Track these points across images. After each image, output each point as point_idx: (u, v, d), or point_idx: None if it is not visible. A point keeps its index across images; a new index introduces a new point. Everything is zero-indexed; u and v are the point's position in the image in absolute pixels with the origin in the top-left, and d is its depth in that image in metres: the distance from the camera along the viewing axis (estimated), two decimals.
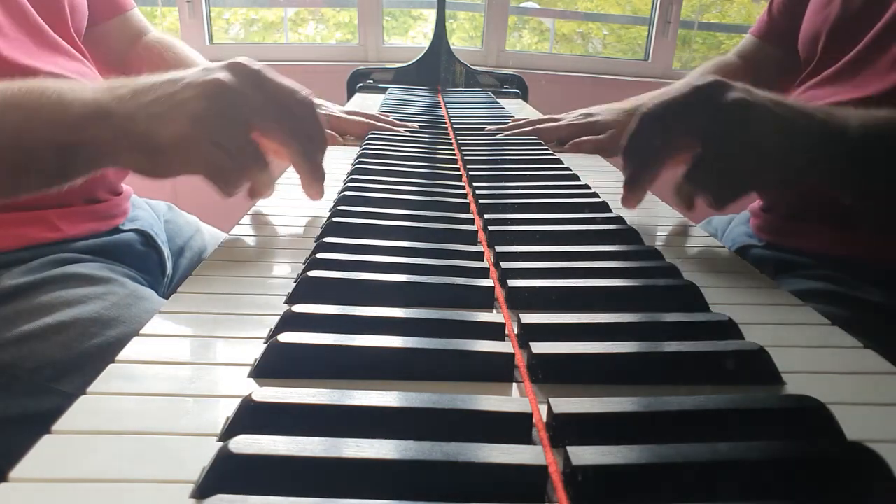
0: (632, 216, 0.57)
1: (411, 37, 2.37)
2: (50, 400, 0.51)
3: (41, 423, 0.25)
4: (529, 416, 0.26)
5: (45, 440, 0.25)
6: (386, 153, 0.74)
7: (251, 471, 0.23)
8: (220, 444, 0.24)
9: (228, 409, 0.27)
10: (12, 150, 0.46)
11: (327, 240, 0.45)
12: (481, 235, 0.49)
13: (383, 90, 1.32)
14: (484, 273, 0.41)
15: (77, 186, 0.68)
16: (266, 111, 0.48)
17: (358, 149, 0.77)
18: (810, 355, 0.34)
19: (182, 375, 0.30)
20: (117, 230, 0.73)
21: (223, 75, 0.46)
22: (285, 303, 0.38)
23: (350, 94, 1.36)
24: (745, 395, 0.29)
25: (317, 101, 0.90)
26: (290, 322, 0.33)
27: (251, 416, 0.26)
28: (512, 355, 0.31)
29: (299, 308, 0.34)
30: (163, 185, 1.94)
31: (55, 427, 0.25)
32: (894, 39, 0.67)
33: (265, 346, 0.31)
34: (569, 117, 0.92)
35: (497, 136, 0.88)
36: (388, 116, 0.93)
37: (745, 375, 0.32)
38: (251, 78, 0.48)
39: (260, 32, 2.33)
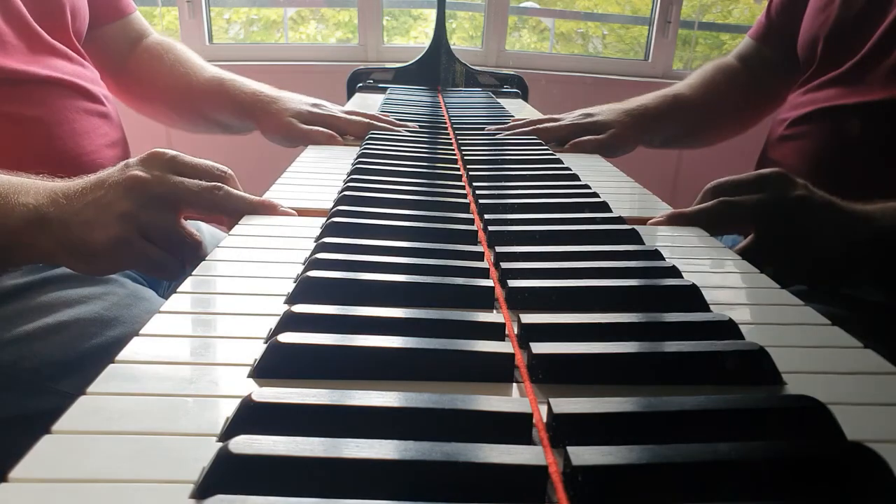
0: (632, 216, 0.57)
1: (412, 37, 2.37)
2: (50, 400, 0.51)
3: (41, 423, 0.25)
4: (529, 416, 0.26)
5: (45, 440, 0.25)
6: (386, 153, 0.74)
7: (251, 471, 0.23)
8: (220, 444, 0.24)
9: (228, 409, 0.27)
10: None
11: (327, 240, 0.45)
12: (481, 235, 0.49)
13: (383, 90, 1.32)
14: (484, 273, 0.41)
15: None
16: (191, 193, 0.50)
17: (358, 149, 0.77)
18: (810, 355, 0.34)
19: (182, 375, 0.30)
20: None
21: (139, 170, 0.49)
22: (285, 303, 0.38)
23: (350, 94, 1.36)
24: (745, 395, 0.29)
25: (317, 101, 0.91)
26: (289, 322, 0.33)
27: (251, 417, 0.26)
28: (512, 355, 0.31)
29: (299, 308, 0.34)
30: None
31: (55, 427, 0.25)
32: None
33: (265, 346, 0.31)
34: (569, 117, 0.92)
35: (497, 136, 0.88)
36: (388, 116, 0.93)
37: (746, 375, 0.31)
38: (167, 165, 0.50)
39: (260, 32, 2.33)
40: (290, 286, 0.39)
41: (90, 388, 0.28)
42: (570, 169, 0.70)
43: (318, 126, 0.86)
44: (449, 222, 0.51)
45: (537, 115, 1.00)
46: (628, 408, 0.27)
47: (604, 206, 0.57)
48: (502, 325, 0.34)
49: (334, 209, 0.52)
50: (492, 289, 0.39)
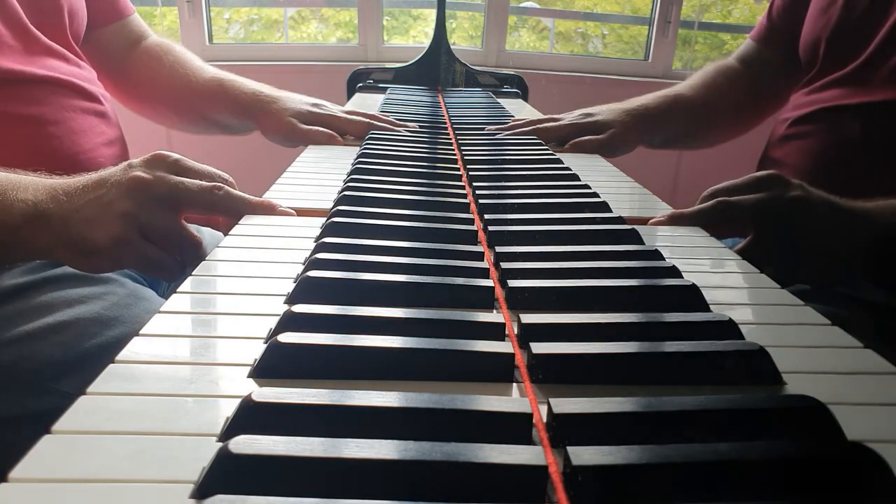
0: (631, 216, 0.57)
1: (411, 36, 2.37)
2: (50, 400, 0.50)
3: (41, 423, 0.25)
4: (529, 416, 0.26)
5: (45, 440, 0.25)
6: (386, 153, 0.74)
7: (251, 471, 0.23)
8: (220, 444, 0.24)
9: (228, 409, 0.27)
10: None
11: (327, 240, 0.45)
12: (481, 235, 0.49)
13: (383, 90, 1.32)
14: (484, 273, 0.41)
15: None
16: (191, 193, 0.50)
17: (358, 149, 0.77)
18: (810, 355, 0.34)
19: (182, 375, 0.30)
20: None
21: (141, 171, 0.49)
22: (285, 303, 0.38)
23: (350, 94, 1.36)
24: (745, 395, 0.29)
25: (317, 101, 0.91)
26: (289, 322, 0.33)
27: (251, 416, 0.26)
28: (512, 355, 0.31)
29: (299, 308, 0.34)
30: None
31: (55, 427, 0.25)
32: None
33: (265, 346, 0.31)
34: (569, 117, 0.92)
35: (497, 136, 0.88)
36: (388, 116, 0.93)
37: (746, 375, 0.31)
38: (170, 168, 0.50)
39: (260, 32, 2.33)
40: (290, 286, 0.39)
41: (90, 388, 0.28)
42: (570, 169, 0.70)
43: (318, 126, 0.86)
44: (449, 222, 0.51)
45: (537, 115, 1.00)
46: (628, 408, 0.27)
47: (604, 206, 0.57)
48: (502, 325, 0.34)
49: (334, 209, 0.52)
50: (492, 289, 0.39)
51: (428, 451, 0.23)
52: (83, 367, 0.52)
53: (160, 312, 0.36)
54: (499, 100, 1.27)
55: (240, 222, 0.52)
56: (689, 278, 0.41)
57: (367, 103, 1.16)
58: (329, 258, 0.41)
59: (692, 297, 0.39)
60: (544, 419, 0.27)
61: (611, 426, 0.26)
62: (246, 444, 0.23)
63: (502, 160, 0.74)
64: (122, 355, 0.31)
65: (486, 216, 0.52)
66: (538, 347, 0.31)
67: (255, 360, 0.31)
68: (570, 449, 0.24)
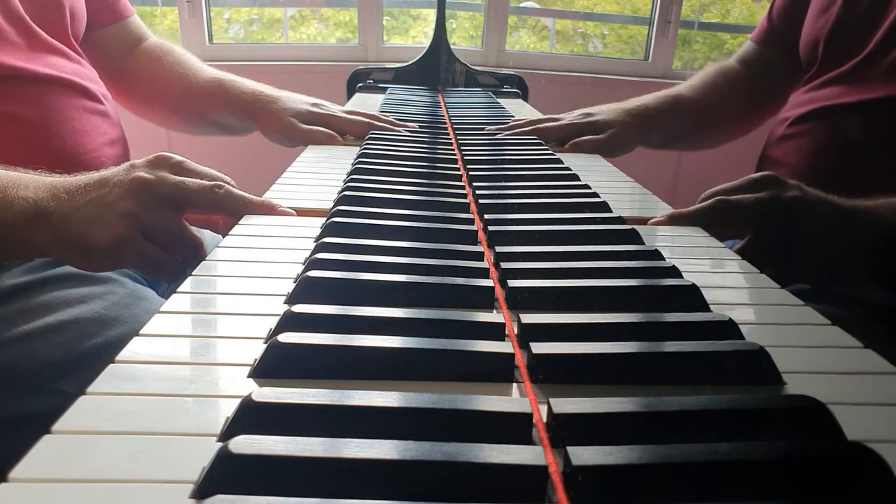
0: (632, 216, 0.57)
1: (411, 37, 2.37)
2: (50, 400, 0.50)
3: (41, 423, 0.25)
4: (529, 416, 0.26)
5: (45, 440, 0.25)
6: (386, 153, 0.74)
7: (251, 471, 0.23)
8: (220, 444, 0.24)
9: (228, 409, 0.27)
10: None
11: (327, 240, 0.45)
12: (481, 235, 0.49)
13: (383, 90, 1.32)
14: (484, 273, 0.41)
15: None
16: (192, 192, 0.51)
17: (358, 149, 0.77)
18: (810, 355, 0.34)
19: (182, 375, 0.30)
20: None
21: (143, 172, 0.49)
22: (285, 303, 0.38)
23: (350, 94, 1.36)
24: (745, 395, 0.29)
25: (317, 100, 0.91)
26: (290, 322, 0.33)
27: (251, 416, 0.26)
28: (512, 355, 0.31)
29: (299, 308, 0.34)
30: None
31: (55, 427, 0.25)
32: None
33: (265, 346, 0.31)
34: (569, 117, 0.92)
35: (497, 136, 0.88)
36: (388, 116, 0.93)
37: (746, 375, 0.31)
38: (172, 169, 0.51)
39: (260, 32, 2.33)
40: (290, 286, 0.39)
41: (90, 388, 0.28)
42: (570, 169, 0.70)
43: (319, 126, 0.86)
44: (449, 222, 0.51)
45: (537, 115, 1.00)
46: (628, 408, 0.27)
47: (604, 206, 0.57)
48: (502, 325, 0.34)
49: (334, 209, 0.52)
50: (492, 289, 0.39)
51: (428, 451, 0.23)
52: (83, 367, 0.52)
53: (160, 312, 0.36)
54: (499, 100, 1.27)
55: (240, 222, 0.52)
56: (689, 278, 0.41)
57: (367, 103, 1.16)
58: (329, 258, 0.41)
59: (692, 297, 0.39)
60: (544, 419, 0.27)
61: (611, 426, 0.26)
62: (246, 444, 0.23)
63: (502, 160, 0.74)
64: (122, 355, 0.31)
65: (486, 216, 0.52)
66: (538, 347, 0.31)
67: (255, 360, 0.31)
68: (570, 449, 0.24)
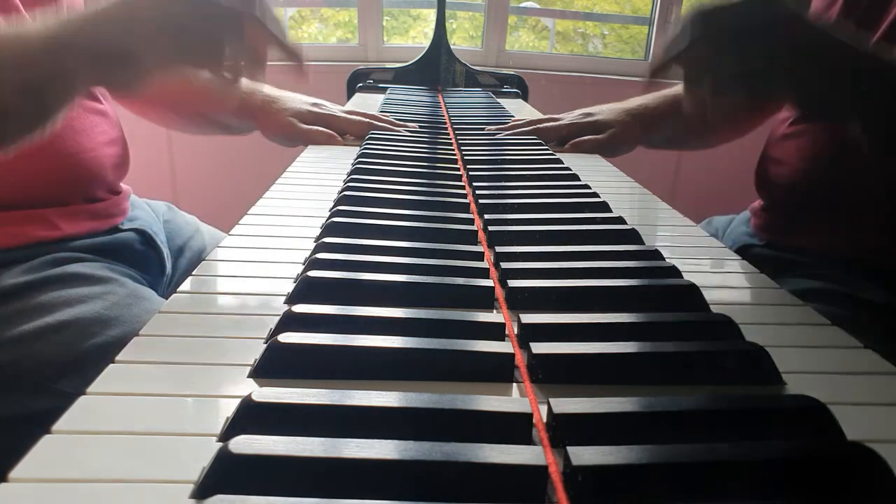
0: (632, 216, 0.57)
1: (411, 37, 2.37)
2: (50, 400, 0.50)
3: (41, 423, 0.25)
4: (529, 416, 0.26)
5: (45, 440, 0.25)
6: (386, 153, 0.74)
7: (251, 471, 0.23)
8: (220, 444, 0.24)
9: (228, 409, 0.27)
10: None
11: (327, 240, 0.45)
12: (481, 235, 0.49)
13: (383, 90, 1.32)
14: (484, 273, 0.41)
15: (75, 185, 0.68)
16: None
17: (358, 149, 0.77)
18: (810, 355, 0.34)
19: (182, 375, 0.30)
20: (116, 229, 0.73)
21: None
22: (285, 303, 0.38)
23: (350, 94, 1.36)
24: (745, 395, 0.29)
25: (317, 100, 0.91)
26: (290, 322, 0.33)
27: (251, 416, 0.26)
28: (512, 355, 0.31)
29: (299, 308, 0.34)
30: (163, 186, 1.92)
31: (55, 427, 0.25)
32: None
33: (265, 346, 0.31)
34: (569, 117, 0.92)
35: (497, 136, 0.88)
36: (388, 116, 0.93)
37: (745, 375, 0.31)
38: None
39: None
40: (290, 286, 0.39)
41: (90, 388, 0.28)
42: (570, 169, 0.70)
43: (318, 126, 0.86)
44: (449, 222, 0.51)
45: (537, 115, 1.00)
46: (628, 408, 0.27)
47: (604, 206, 0.57)
48: (502, 325, 0.34)
49: (334, 209, 0.52)
50: (492, 289, 0.39)
51: (428, 451, 0.23)
52: (83, 366, 0.52)
53: (160, 312, 0.36)
54: (499, 100, 1.27)
55: (240, 222, 0.52)
56: (689, 278, 0.41)
57: (367, 103, 1.16)
58: (329, 258, 0.41)
59: (692, 297, 0.39)
60: (544, 419, 0.27)
61: (611, 426, 0.26)
62: (246, 444, 0.23)
63: (502, 160, 0.74)
64: (122, 355, 0.31)
65: (486, 216, 0.52)
66: (538, 347, 0.31)
67: (255, 360, 0.31)
68: (570, 449, 0.24)
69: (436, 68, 1.39)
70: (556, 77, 2.03)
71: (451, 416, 0.26)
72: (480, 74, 1.43)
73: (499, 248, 0.45)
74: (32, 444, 0.24)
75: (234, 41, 0.50)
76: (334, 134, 0.86)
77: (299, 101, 0.90)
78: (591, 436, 0.25)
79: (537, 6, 2.38)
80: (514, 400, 0.29)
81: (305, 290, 0.38)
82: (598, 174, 0.74)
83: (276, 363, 0.30)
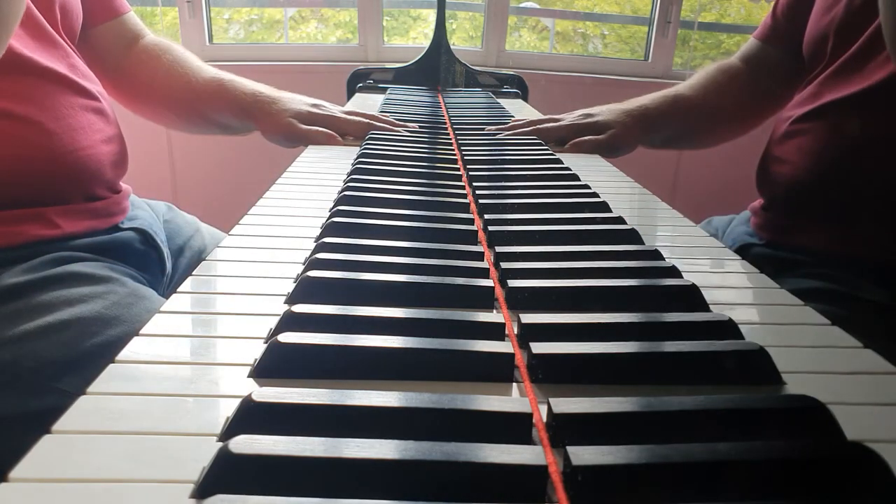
0: (632, 216, 0.57)
1: (411, 37, 2.37)
2: (50, 399, 0.51)
3: (41, 422, 0.25)
4: (529, 416, 0.26)
5: (45, 440, 0.25)
6: (386, 153, 0.74)
7: (251, 471, 0.23)
8: (220, 444, 0.24)
9: (228, 409, 0.27)
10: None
11: (327, 240, 0.45)
12: (481, 235, 0.49)
13: (383, 90, 1.32)
14: (484, 273, 0.41)
15: (73, 183, 0.68)
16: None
17: (358, 149, 0.77)
18: (810, 355, 0.34)
19: (182, 375, 0.30)
20: (116, 228, 0.73)
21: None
22: (285, 303, 0.38)
23: (350, 94, 1.36)
24: (745, 395, 0.29)
25: (317, 101, 0.91)
26: (290, 322, 0.33)
27: (251, 416, 0.26)
28: (512, 355, 0.31)
29: (299, 308, 0.34)
30: (163, 186, 1.93)
31: (55, 427, 0.25)
32: None
33: (265, 346, 0.31)
34: (569, 117, 0.92)
35: (497, 136, 0.88)
36: (387, 116, 0.93)
37: (745, 375, 0.32)
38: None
39: (260, 32, 2.33)
40: (290, 286, 0.39)
41: (90, 388, 0.28)
42: (570, 169, 0.70)
43: (318, 126, 0.86)
44: (449, 222, 0.51)
45: (537, 115, 1.00)
46: (628, 408, 0.27)
47: (604, 206, 0.57)
48: (502, 325, 0.34)
49: (334, 209, 0.52)
50: (492, 289, 0.39)
51: (428, 451, 0.23)
52: (83, 366, 0.52)
53: (160, 312, 0.36)
54: (499, 100, 1.27)
55: (240, 222, 0.52)
56: (689, 278, 0.41)
57: (367, 103, 1.16)
58: (329, 258, 0.41)
59: (692, 297, 0.39)
60: (544, 419, 0.27)
61: (611, 426, 0.26)
62: (246, 444, 0.23)
63: (502, 160, 0.75)
64: (122, 355, 0.31)
65: (486, 216, 0.52)
66: (538, 347, 0.31)
67: (255, 360, 0.31)
68: (570, 449, 0.24)
69: (436, 68, 1.39)
70: (556, 77, 2.03)
71: (451, 416, 0.26)
72: (480, 74, 1.43)
73: (499, 248, 0.45)
74: (32, 444, 0.24)
75: None
76: (334, 134, 0.86)
77: (299, 101, 0.90)
78: (590, 436, 0.25)
79: (537, 6, 2.38)
80: (514, 400, 0.29)
81: (305, 290, 0.38)
82: (598, 174, 0.74)
83: (276, 363, 0.30)
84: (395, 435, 0.24)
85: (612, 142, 0.88)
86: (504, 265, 0.42)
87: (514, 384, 0.31)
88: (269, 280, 0.41)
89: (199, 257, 0.85)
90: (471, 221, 0.51)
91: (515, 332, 0.35)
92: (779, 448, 0.24)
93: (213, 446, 0.25)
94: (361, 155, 0.72)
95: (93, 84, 0.73)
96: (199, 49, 1.94)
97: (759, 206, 0.83)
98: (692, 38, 2.30)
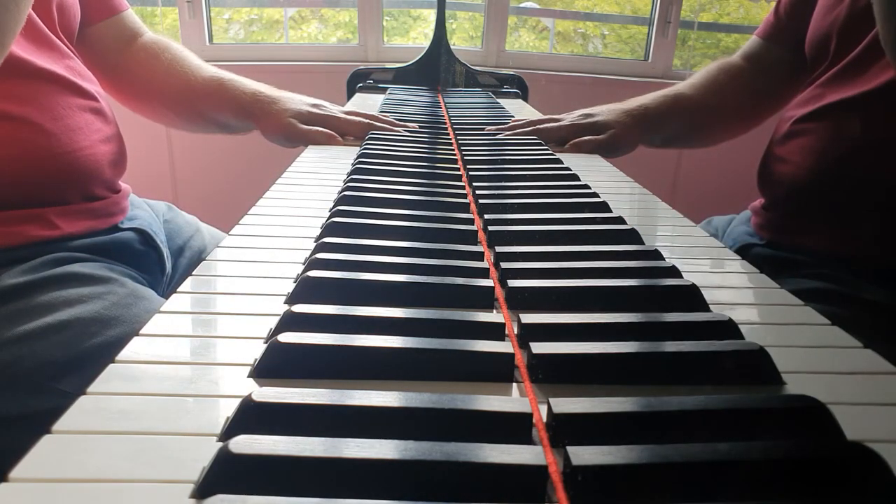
0: (632, 216, 0.57)
1: (411, 38, 2.37)
2: (50, 399, 0.51)
3: (41, 422, 0.25)
4: (529, 416, 0.26)
5: (45, 440, 0.25)
6: (386, 153, 0.74)
7: (251, 471, 0.23)
8: (220, 444, 0.24)
9: (228, 409, 0.27)
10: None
11: (327, 240, 0.45)
12: (481, 235, 0.49)
13: (383, 90, 1.32)
14: (484, 273, 0.41)
15: (72, 183, 0.68)
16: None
17: (358, 149, 0.77)
18: (810, 355, 0.34)
19: (182, 375, 0.30)
20: (116, 228, 0.73)
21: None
22: (285, 303, 0.38)
23: (350, 94, 1.36)
24: (745, 395, 0.29)
25: (317, 101, 0.91)
26: (290, 322, 0.33)
27: (251, 416, 0.26)
28: (512, 355, 0.31)
29: (299, 308, 0.34)
30: (163, 185, 1.93)
31: (55, 427, 0.25)
32: None
33: (265, 346, 0.31)
34: (569, 117, 0.92)
35: (497, 136, 0.88)
36: (387, 116, 0.93)
37: (746, 375, 0.31)
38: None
39: (260, 32, 2.33)
40: (290, 286, 0.39)
41: (90, 388, 0.28)
42: (570, 169, 0.70)
43: (318, 126, 0.86)
44: (449, 222, 0.51)
45: (537, 115, 1.00)
46: (628, 408, 0.27)
47: (604, 206, 0.57)
48: (502, 325, 0.34)
49: (334, 209, 0.52)
50: (492, 289, 0.39)
51: (428, 451, 0.23)
52: (83, 366, 0.52)
53: (160, 312, 0.36)
54: (499, 100, 1.27)
55: (240, 222, 0.52)
56: (689, 278, 0.41)
57: (367, 103, 1.16)
58: (329, 258, 0.41)
59: (692, 297, 0.39)
60: (544, 419, 0.27)
61: (611, 426, 0.26)
62: (246, 444, 0.23)
63: (502, 160, 0.74)
64: (122, 355, 0.31)
65: (486, 216, 0.52)
66: (538, 347, 0.31)
67: (255, 360, 0.31)
68: (570, 449, 0.24)
69: (436, 68, 1.39)
70: (556, 77, 2.03)
71: (451, 416, 0.26)
72: (480, 74, 1.43)
73: (499, 248, 0.45)
74: (32, 444, 0.24)
75: None
76: (334, 134, 0.86)
77: (299, 101, 0.90)
78: (590, 436, 0.25)
79: (537, 6, 2.38)
80: (514, 400, 0.29)
81: (305, 290, 0.38)
82: (598, 174, 0.74)
83: (276, 363, 0.30)
84: (395, 435, 0.24)
85: (612, 142, 0.88)
86: (504, 265, 0.42)
87: (514, 384, 0.31)
88: (269, 280, 0.41)
89: (199, 257, 0.85)
90: (471, 221, 0.51)
91: (515, 332, 0.35)
92: (779, 448, 0.24)
93: (213, 446, 0.25)
94: (361, 155, 0.72)
95: (91, 84, 0.73)
96: (199, 49, 1.93)
97: (759, 206, 0.83)
98: (691, 37, 2.30)
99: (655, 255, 0.45)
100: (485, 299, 0.39)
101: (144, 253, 0.75)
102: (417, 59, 1.40)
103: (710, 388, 0.31)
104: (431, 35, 1.39)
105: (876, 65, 0.69)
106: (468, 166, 0.70)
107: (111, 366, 0.30)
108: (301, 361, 0.30)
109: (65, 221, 0.66)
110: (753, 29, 0.97)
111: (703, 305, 0.39)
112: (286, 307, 0.35)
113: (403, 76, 1.39)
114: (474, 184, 0.61)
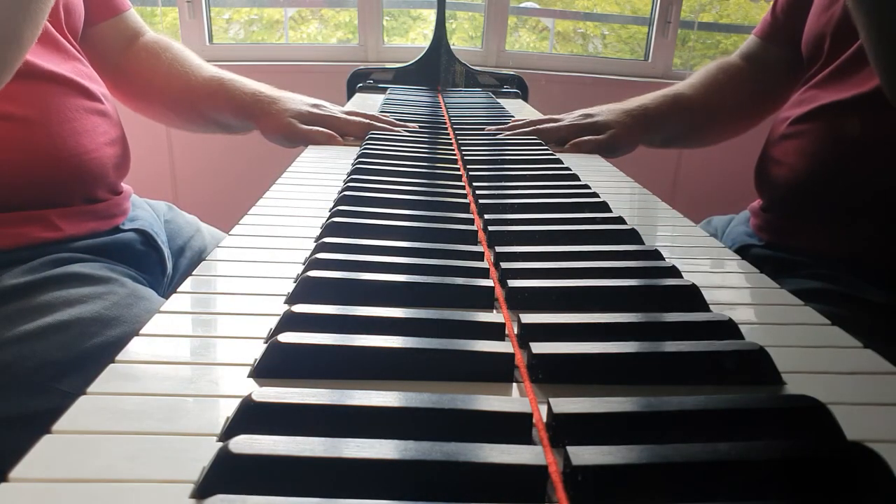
0: (632, 216, 0.57)
1: (411, 38, 2.37)
2: (50, 399, 0.51)
3: (41, 422, 0.25)
4: (529, 415, 0.26)
5: (45, 440, 0.25)
6: (386, 153, 0.74)
7: (251, 471, 0.23)
8: (220, 444, 0.24)
9: (228, 409, 0.27)
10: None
11: (327, 240, 0.45)
12: (481, 235, 0.49)
13: (383, 90, 1.32)
14: (484, 273, 0.41)
15: (77, 186, 0.68)
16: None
17: (358, 149, 0.77)
18: (810, 355, 0.34)
19: (182, 375, 0.30)
20: (117, 230, 0.73)
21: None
22: (285, 303, 0.38)
23: (350, 94, 1.36)
24: (745, 395, 0.29)
25: (317, 101, 0.91)
26: (290, 322, 0.33)
27: (251, 416, 0.26)
28: (512, 355, 0.31)
29: (299, 308, 0.34)
30: (163, 185, 1.93)
31: (55, 427, 0.25)
32: None
33: (265, 346, 0.31)
34: (569, 117, 0.92)
35: (497, 136, 0.88)
36: (387, 116, 0.93)
37: (745, 375, 0.31)
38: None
39: (260, 32, 2.33)
40: (290, 286, 0.39)
41: (90, 388, 0.28)
42: (570, 169, 0.70)
43: (318, 126, 0.86)
44: (449, 222, 0.51)
45: (537, 115, 1.00)
46: (628, 408, 0.27)
47: (604, 206, 0.57)
48: (502, 325, 0.34)
49: (334, 209, 0.52)
50: (492, 289, 0.39)
51: (428, 451, 0.23)
52: (83, 366, 0.52)
53: (160, 312, 0.36)
54: (499, 100, 1.27)
55: (240, 222, 0.52)
56: (689, 278, 0.41)
57: (367, 104, 1.16)
58: (329, 258, 0.41)
59: (692, 297, 0.39)
60: (544, 419, 0.27)
61: (611, 426, 0.26)
62: (246, 443, 0.23)
63: (502, 160, 0.74)
64: (122, 355, 0.31)
65: (486, 216, 0.52)
66: (538, 347, 0.31)
67: (255, 360, 0.31)
68: (570, 449, 0.24)
69: (436, 68, 1.39)
70: (556, 77, 2.03)
71: (451, 416, 0.26)
72: (480, 75, 1.43)
73: (499, 248, 0.45)
74: (32, 444, 0.24)
75: None
76: (334, 134, 0.86)
77: (299, 101, 0.90)
78: (591, 436, 0.25)
79: (537, 6, 2.38)
80: (514, 400, 0.29)
81: (305, 290, 0.38)
82: (598, 174, 0.74)
83: (276, 363, 0.30)
84: (395, 435, 0.24)
85: (612, 142, 0.88)
86: (504, 265, 0.42)
87: (514, 384, 0.31)
88: (269, 280, 0.41)
89: (200, 257, 0.85)
90: (471, 221, 0.51)
91: (515, 332, 0.35)
92: (779, 448, 0.24)
93: (213, 446, 0.25)
94: (361, 155, 0.72)
95: (97, 85, 0.73)
96: (199, 49, 1.93)
97: (758, 207, 0.83)
98: (691, 38, 2.30)
99: (655, 255, 0.45)
100: (485, 299, 0.39)
101: (145, 253, 0.75)
102: (417, 59, 1.40)
103: (710, 388, 0.31)
104: (431, 35, 1.39)
105: (869, 66, 0.69)
106: (468, 166, 0.70)
107: (111, 366, 0.30)
108: (301, 361, 0.30)
109: (67, 223, 0.66)
110: (753, 29, 0.97)
111: (703, 305, 0.39)
112: (286, 307, 0.35)
113: (403, 76, 1.39)
114: (474, 184, 0.61)
